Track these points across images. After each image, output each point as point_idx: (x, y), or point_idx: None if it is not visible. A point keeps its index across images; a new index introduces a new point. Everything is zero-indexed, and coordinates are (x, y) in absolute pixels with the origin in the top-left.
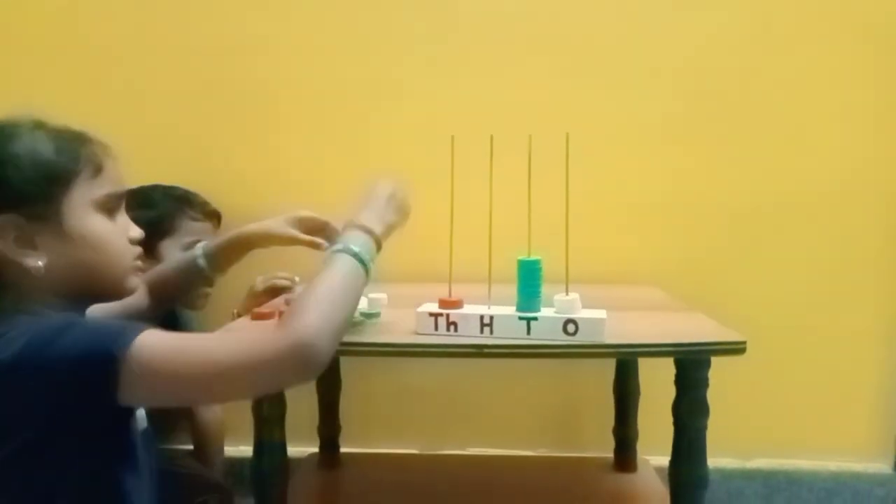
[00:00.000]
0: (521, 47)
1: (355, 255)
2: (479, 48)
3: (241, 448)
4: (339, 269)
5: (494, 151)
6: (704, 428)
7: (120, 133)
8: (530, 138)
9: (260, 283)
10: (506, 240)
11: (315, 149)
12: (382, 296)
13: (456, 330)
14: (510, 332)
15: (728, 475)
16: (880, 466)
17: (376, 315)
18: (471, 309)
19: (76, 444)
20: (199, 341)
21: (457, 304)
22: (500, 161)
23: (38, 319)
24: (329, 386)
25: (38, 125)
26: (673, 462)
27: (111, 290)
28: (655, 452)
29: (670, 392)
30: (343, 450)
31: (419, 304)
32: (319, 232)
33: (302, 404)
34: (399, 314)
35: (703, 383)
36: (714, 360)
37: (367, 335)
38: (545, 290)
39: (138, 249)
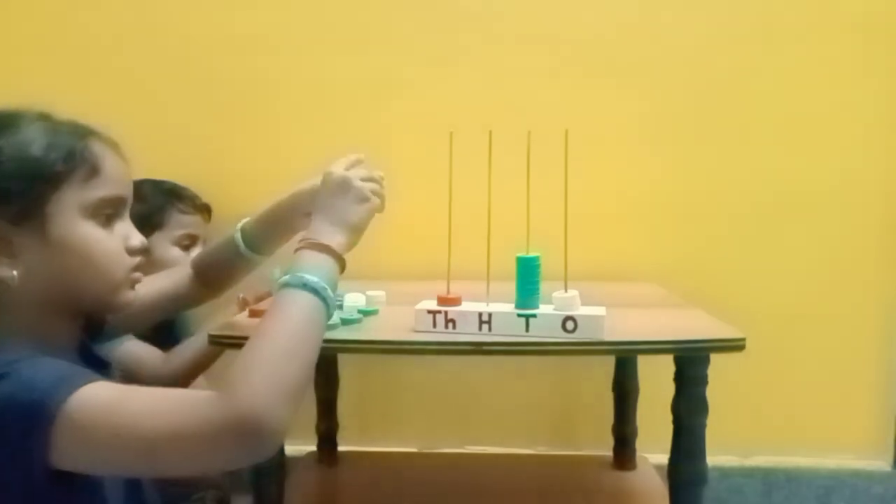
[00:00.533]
0: (520, 43)
1: (309, 288)
2: (477, 44)
3: None
4: (290, 312)
5: (493, 147)
6: (703, 425)
7: (115, 127)
8: (529, 134)
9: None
10: (504, 236)
11: (311, 144)
12: (381, 293)
13: (454, 327)
14: (509, 330)
15: (727, 472)
16: (879, 464)
17: (374, 312)
18: (469, 306)
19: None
20: (136, 405)
21: (455, 302)
22: (498, 157)
23: None
24: (327, 383)
25: (40, 117)
26: (672, 460)
27: (97, 305)
28: (655, 450)
29: (670, 389)
30: (341, 448)
31: (418, 302)
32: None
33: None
34: (397, 311)
35: (703, 380)
36: (713, 356)
37: (365, 332)
38: (544, 286)
39: (135, 260)
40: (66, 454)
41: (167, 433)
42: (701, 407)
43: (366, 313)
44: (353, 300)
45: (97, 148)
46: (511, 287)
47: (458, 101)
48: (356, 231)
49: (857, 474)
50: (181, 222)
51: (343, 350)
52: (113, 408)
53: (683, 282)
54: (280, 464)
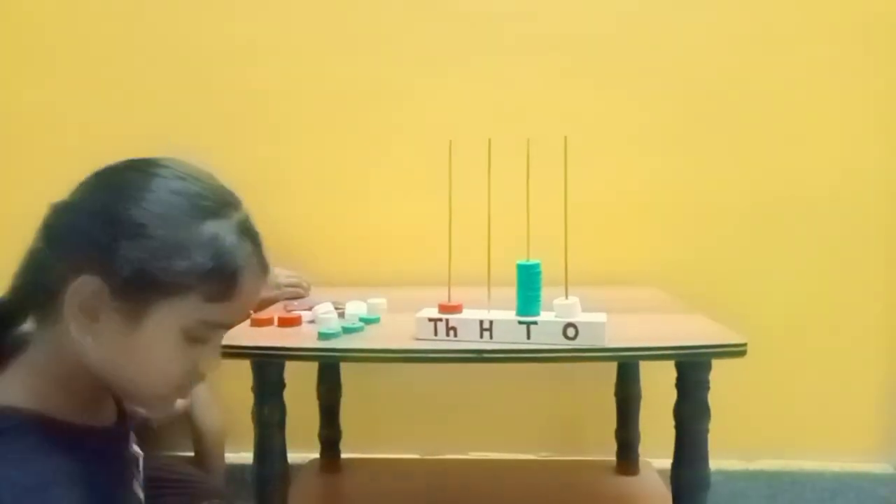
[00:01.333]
0: (518, 51)
1: None
2: (476, 52)
3: (242, 454)
4: None
5: (493, 155)
6: (706, 430)
7: (113, 136)
8: (528, 142)
9: (279, 277)
10: (505, 243)
11: (311, 153)
12: (382, 300)
13: (456, 335)
14: (510, 337)
15: (731, 476)
16: (883, 467)
17: (376, 320)
18: (470, 314)
19: None
20: None
21: (456, 309)
22: (498, 164)
23: (4, 455)
24: (329, 391)
25: (217, 210)
26: (675, 465)
27: (133, 402)
28: (658, 455)
29: (672, 394)
30: (344, 455)
31: (419, 309)
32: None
33: (303, 410)
34: (399, 319)
35: (704, 385)
36: (717, 361)
37: (367, 341)
38: (545, 292)
39: (193, 385)
40: None
41: None
42: (703, 412)
43: (367, 321)
44: (355, 308)
45: (247, 278)
46: (512, 293)
47: (458, 109)
48: None
49: (861, 477)
50: None
51: (345, 359)
52: None
53: (684, 286)
54: (283, 471)
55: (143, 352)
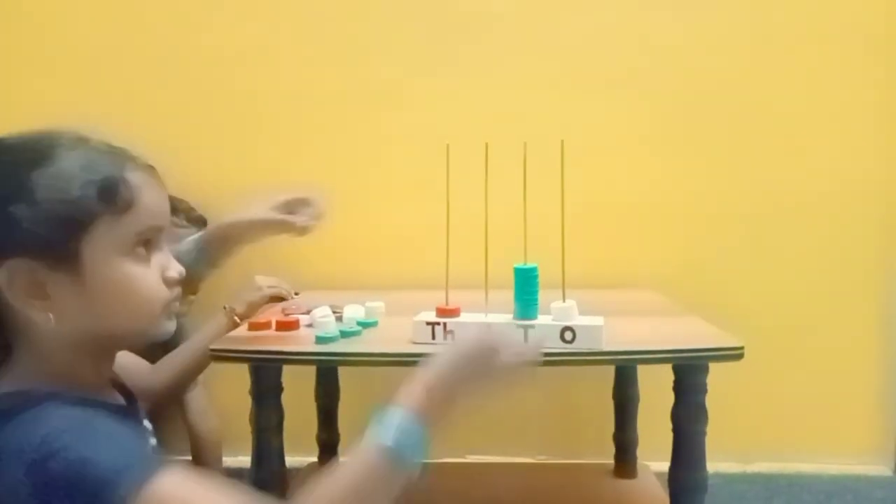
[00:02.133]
0: (515, 55)
1: (391, 453)
2: (473, 57)
3: (240, 458)
4: (366, 466)
5: (490, 159)
6: (703, 433)
7: (113, 138)
8: (525, 145)
9: (261, 284)
10: (502, 246)
11: (309, 156)
12: (380, 303)
13: (454, 338)
14: None
15: (729, 479)
16: (880, 469)
17: (373, 324)
18: (468, 317)
19: None
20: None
21: (454, 313)
22: (495, 168)
23: (36, 416)
24: (327, 395)
25: (77, 143)
26: (673, 467)
27: (137, 340)
28: (655, 458)
29: (670, 397)
30: (342, 458)
31: (417, 312)
32: (302, 206)
33: (301, 413)
34: (397, 322)
35: (702, 389)
36: (714, 364)
37: (364, 345)
38: (542, 295)
39: (174, 291)
40: None
41: None
42: (700, 415)
43: (365, 325)
44: (353, 312)
45: (133, 178)
46: (509, 295)
47: (456, 112)
48: (458, 403)
49: (858, 479)
50: (176, 235)
51: (343, 363)
52: (189, 496)
53: (681, 289)
54: (281, 475)
55: (107, 292)
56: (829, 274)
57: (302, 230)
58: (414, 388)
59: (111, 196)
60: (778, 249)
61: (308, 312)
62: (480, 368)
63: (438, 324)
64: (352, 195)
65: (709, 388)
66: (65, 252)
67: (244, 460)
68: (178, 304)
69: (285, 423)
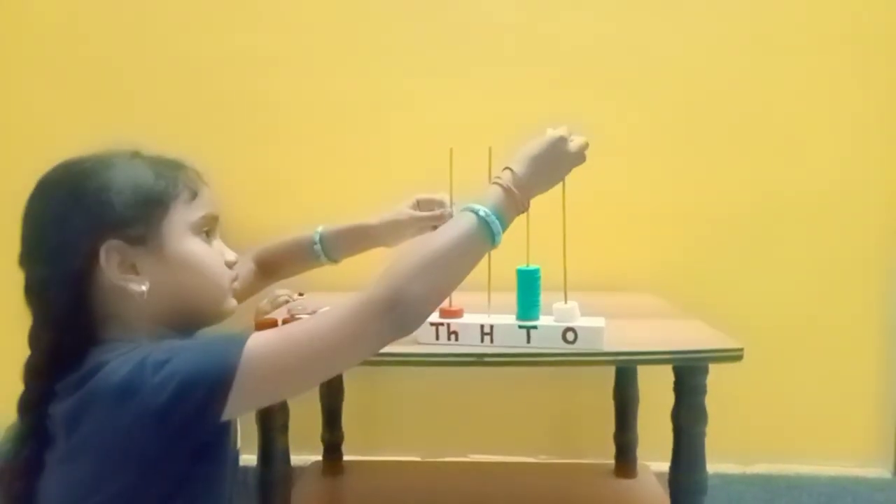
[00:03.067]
0: (518, 60)
1: (477, 215)
2: (476, 62)
3: (245, 456)
4: (453, 229)
5: (493, 163)
6: (703, 434)
7: (114, 142)
8: None
9: (266, 304)
10: (504, 248)
11: (313, 161)
12: None
13: (457, 339)
14: (510, 341)
15: (728, 480)
16: (880, 471)
17: None
18: (471, 318)
19: (171, 488)
20: (301, 329)
21: (457, 314)
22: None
23: (139, 347)
24: (332, 394)
25: (135, 154)
26: (673, 468)
27: (210, 313)
28: (656, 458)
29: (670, 398)
30: (346, 457)
31: None
32: (438, 206)
33: (305, 412)
34: None
35: (701, 390)
36: (714, 365)
37: None
38: (544, 297)
39: (234, 272)
40: (249, 395)
41: (343, 333)
42: (700, 416)
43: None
44: None
45: (192, 175)
46: (511, 297)
47: (459, 117)
48: (542, 184)
49: (858, 482)
50: None
51: None
52: (286, 337)
53: (682, 291)
54: (286, 473)
55: (185, 262)
56: (830, 277)
57: (439, 219)
58: (498, 178)
59: (183, 184)
60: (778, 252)
61: (313, 313)
62: (548, 154)
63: (442, 324)
64: (356, 197)
65: (709, 389)
66: (150, 231)
67: (250, 458)
68: (237, 284)
69: (290, 423)
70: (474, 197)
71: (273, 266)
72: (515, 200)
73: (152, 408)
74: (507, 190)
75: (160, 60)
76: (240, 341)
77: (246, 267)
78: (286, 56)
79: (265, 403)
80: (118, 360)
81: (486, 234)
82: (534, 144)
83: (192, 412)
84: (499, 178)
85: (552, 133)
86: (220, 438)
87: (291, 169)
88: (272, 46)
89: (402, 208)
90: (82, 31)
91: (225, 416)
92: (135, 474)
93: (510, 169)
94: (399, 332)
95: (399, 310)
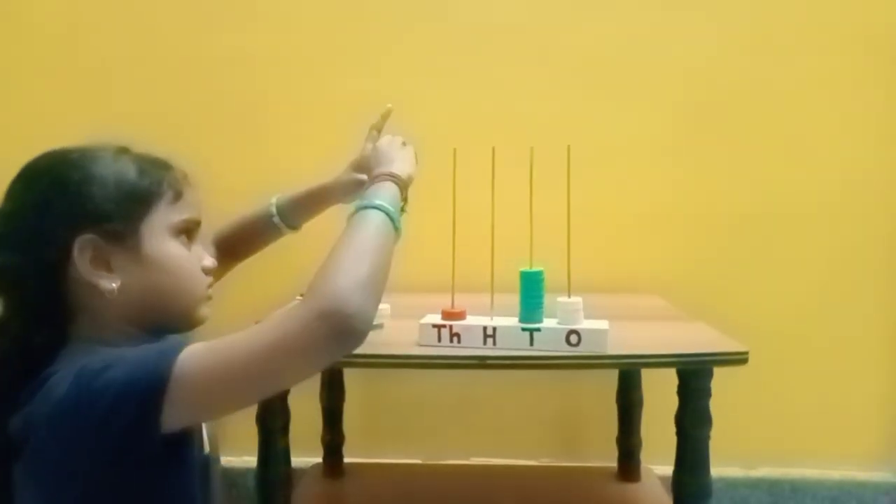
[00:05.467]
0: (522, 60)
1: (376, 208)
2: (480, 61)
3: (245, 458)
4: (359, 226)
5: (496, 163)
6: (707, 438)
7: (113, 141)
8: (532, 150)
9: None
10: (508, 250)
11: (315, 160)
12: (385, 306)
13: (459, 341)
14: (513, 343)
15: (733, 484)
16: (885, 475)
17: (379, 326)
18: (474, 320)
19: (130, 492)
20: (238, 341)
21: (460, 316)
22: (501, 173)
23: (91, 353)
24: (333, 396)
25: (122, 150)
26: (676, 472)
27: (182, 319)
28: (659, 462)
29: (674, 401)
30: (347, 459)
31: (422, 315)
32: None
33: (306, 414)
34: (402, 325)
35: (705, 393)
36: (718, 368)
37: (370, 347)
38: (547, 299)
39: (210, 279)
40: (183, 408)
41: (273, 344)
42: (704, 420)
43: (371, 327)
44: None
45: (178, 176)
46: (514, 299)
47: (463, 117)
48: (409, 178)
49: (863, 485)
50: None
51: (349, 364)
52: (217, 350)
53: (686, 293)
54: (286, 476)
55: (160, 264)
56: (835, 279)
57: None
58: (374, 176)
59: (168, 184)
60: (783, 255)
61: None
62: (402, 152)
63: (444, 326)
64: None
65: (713, 391)
66: (128, 229)
67: (250, 461)
68: (212, 292)
69: (290, 424)
70: (362, 197)
71: (234, 247)
72: (402, 186)
73: (89, 420)
74: (390, 179)
75: (160, 61)
76: (174, 351)
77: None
78: (285, 56)
79: (205, 417)
80: (63, 372)
81: (391, 225)
82: (386, 150)
83: (128, 424)
84: (375, 177)
85: (394, 140)
86: (175, 448)
87: (293, 169)
88: (272, 46)
89: (348, 169)
90: (80, 30)
91: (165, 428)
92: (86, 488)
93: (382, 172)
94: (342, 343)
95: (336, 318)
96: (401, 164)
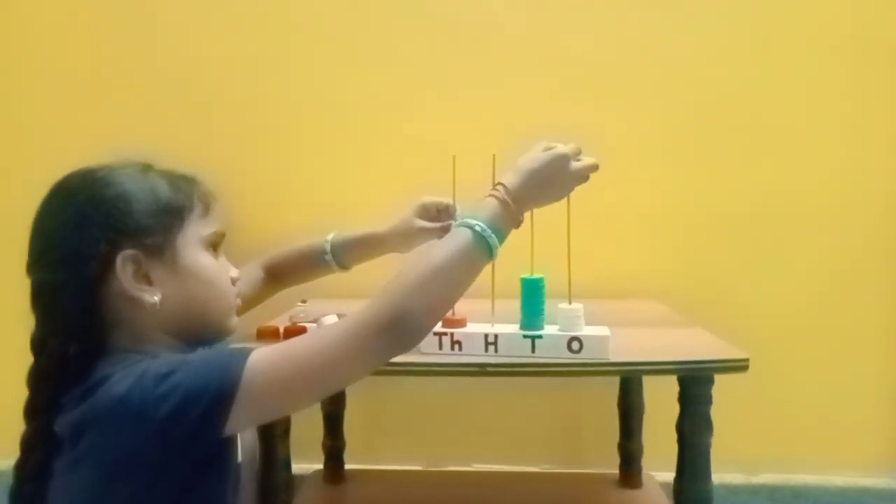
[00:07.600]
0: (521, 67)
1: (473, 230)
2: (480, 69)
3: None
4: (450, 244)
5: (497, 170)
6: (708, 444)
7: (114, 143)
8: None
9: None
10: (508, 256)
11: (317, 166)
12: None
13: (460, 349)
14: (514, 351)
15: (734, 490)
16: (887, 481)
17: None
18: (475, 328)
19: (173, 500)
20: (302, 344)
21: (461, 323)
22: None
23: (143, 360)
24: (334, 402)
25: (147, 167)
26: (678, 479)
27: (216, 328)
28: (660, 468)
29: (675, 407)
30: (347, 466)
31: None
32: (444, 213)
33: (307, 420)
34: None
35: (706, 400)
36: (719, 374)
37: None
38: (548, 305)
39: (237, 289)
40: (251, 411)
41: (343, 348)
42: (705, 426)
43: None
44: None
45: (206, 190)
46: (515, 305)
47: (463, 124)
48: (535, 200)
49: (864, 492)
50: None
51: None
52: (285, 354)
53: (686, 299)
54: (287, 481)
55: (197, 275)
56: (836, 285)
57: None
58: (493, 191)
59: (198, 198)
60: (783, 259)
61: (316, 321)
62: (543, 169)
63: (445, 334)
64: (360, 204)
65: (714, 397)
66: (166, 242)
67: None
68: (239, 301)
69: (291, 430)
70: (470, 209)
71: (283, 274)
72: (511, 213)
73: (154, 420)
74: (503, 203)
75: (167, 63)
76: (242, 356)
77: (254, 274)
78: (290, 61)
79: (267, 419)
80: (121, 373)
81: (484, 249)
82: (534, 157)
83: (193, 425)
84: (496, 190)
85: (557, 149)
86: (222, 452)
87: (295, 174)
88: (276, 52)
89: (410, 216)
90: (82, 32)
91: (227, 431)
92: (136, 485)
93: (503, 183)
94: (399, 349)
95: (399, 327)
96: (525, 187)
